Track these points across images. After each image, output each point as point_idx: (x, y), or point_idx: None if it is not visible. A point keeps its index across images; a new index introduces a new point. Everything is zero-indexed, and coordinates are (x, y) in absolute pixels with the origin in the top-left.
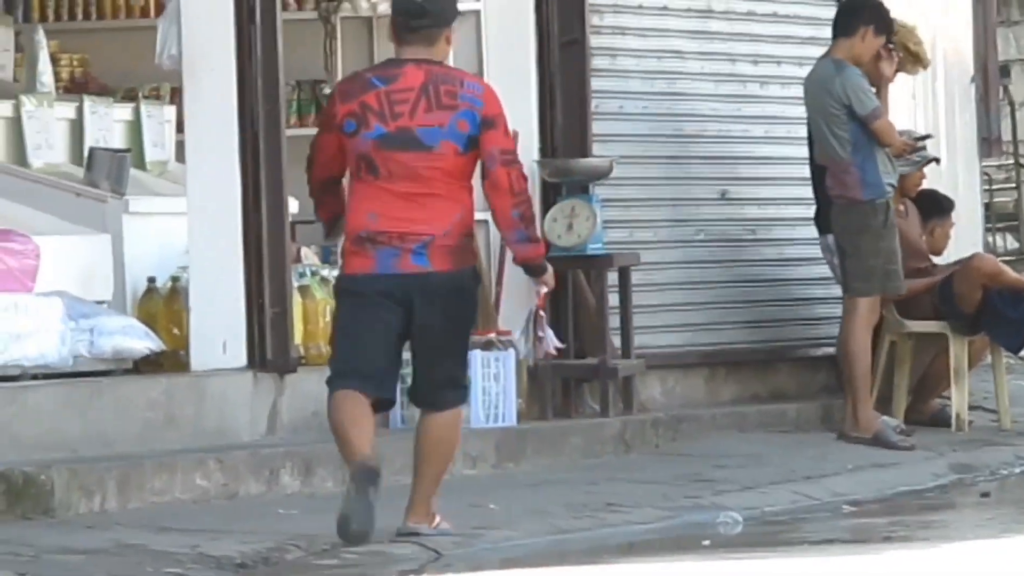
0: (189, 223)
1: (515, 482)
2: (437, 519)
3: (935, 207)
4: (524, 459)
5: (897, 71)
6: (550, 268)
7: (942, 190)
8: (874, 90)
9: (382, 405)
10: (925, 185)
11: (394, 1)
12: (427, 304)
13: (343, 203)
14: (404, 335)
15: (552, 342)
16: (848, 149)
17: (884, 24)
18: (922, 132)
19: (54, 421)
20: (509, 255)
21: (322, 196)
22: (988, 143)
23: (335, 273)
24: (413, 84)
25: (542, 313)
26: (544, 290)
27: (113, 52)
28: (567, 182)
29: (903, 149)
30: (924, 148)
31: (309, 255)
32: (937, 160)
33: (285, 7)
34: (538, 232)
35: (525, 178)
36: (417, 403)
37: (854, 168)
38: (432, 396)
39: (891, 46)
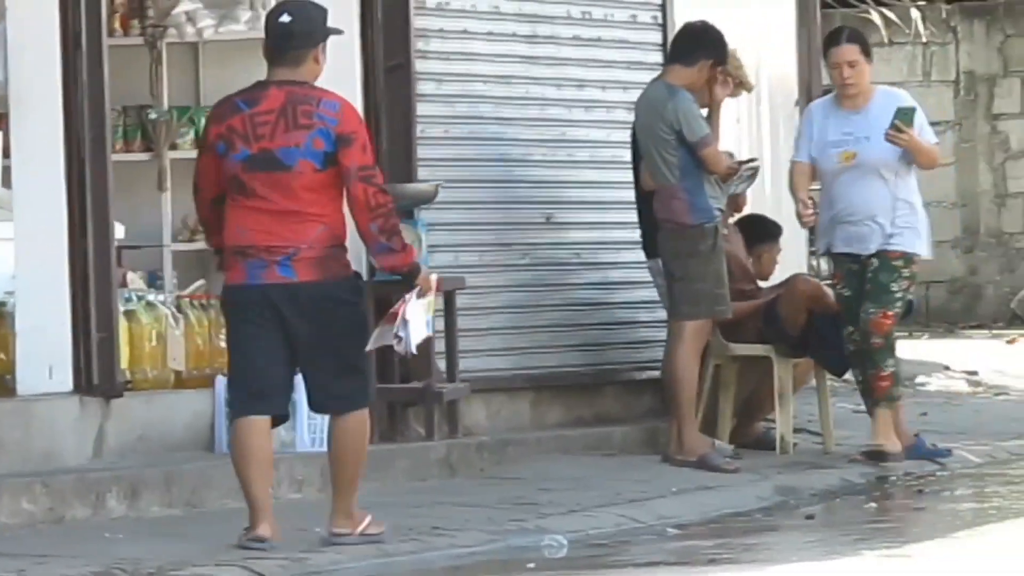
0: (15, 248)
1: None
2: (366, 521)
3: (763, 232)
4: None
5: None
6: (424, 269)
7: (767, 214)
8: (706, 111)
9: (277, 421)
10: (752, 210)
11: (265, 23)
12: (297, 315)
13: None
14: (288, 348)
15: (412, 342)
16: (677, 174)
17: (723, 56)
18: (747, 156)
19: None
20: None
21: (213, 219)
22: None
23: (161, 298)
24: (273, 106)
25: (398, 312)
26: (418, 294)
27: None
28: None
29: (728, 174)
30: (751, 171)
31: (135, 280)
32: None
33: (111, 33)
34: (403, 240)
35: (384, 192)
36: (316, 410)
37: (682, 193)
38: (324, 403)
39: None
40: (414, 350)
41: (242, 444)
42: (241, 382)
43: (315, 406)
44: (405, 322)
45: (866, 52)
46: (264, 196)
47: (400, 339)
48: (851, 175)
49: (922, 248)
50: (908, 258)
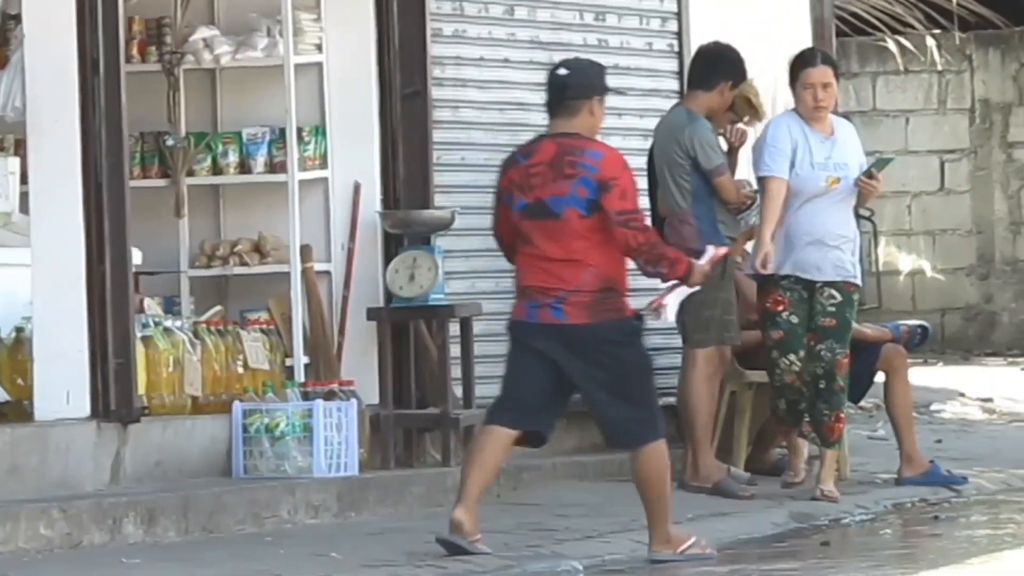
0: (33, 274)
1: (357, 531)
2: (687, 543)
3: None
4: (366, 508)
5: (734, 123)
6: (697, 265)
7: None
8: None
9: (532, 438)
10: None
11: (546, 79)
12: (573, 357)
13: None
14: (560, 380)
15: (670, 318)
16: (688, 200)
17: (741, 77)
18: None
19: None
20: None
21: (511, 255)
22: None
23: (178, 324)
24: (544, 158)
25: (663, 305)
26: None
27: None
28: (409, 233)
29: (742, 203)
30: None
31: (152, 306)
32: None
33: (128, 59)
34: (671, 259)
35: (644, 230)
36: (610, 446)
37: (692, 218)
38: (616, 438)
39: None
40: (671, 321)
41: (475, 444)
42: (500, 395)
43: (608, 442)
44: (663, 307)
45: (837, 76)
46: (539, 243)
47: (658, 315)
48: (829, 199)
49: (861, 280)
50: (859, 289)
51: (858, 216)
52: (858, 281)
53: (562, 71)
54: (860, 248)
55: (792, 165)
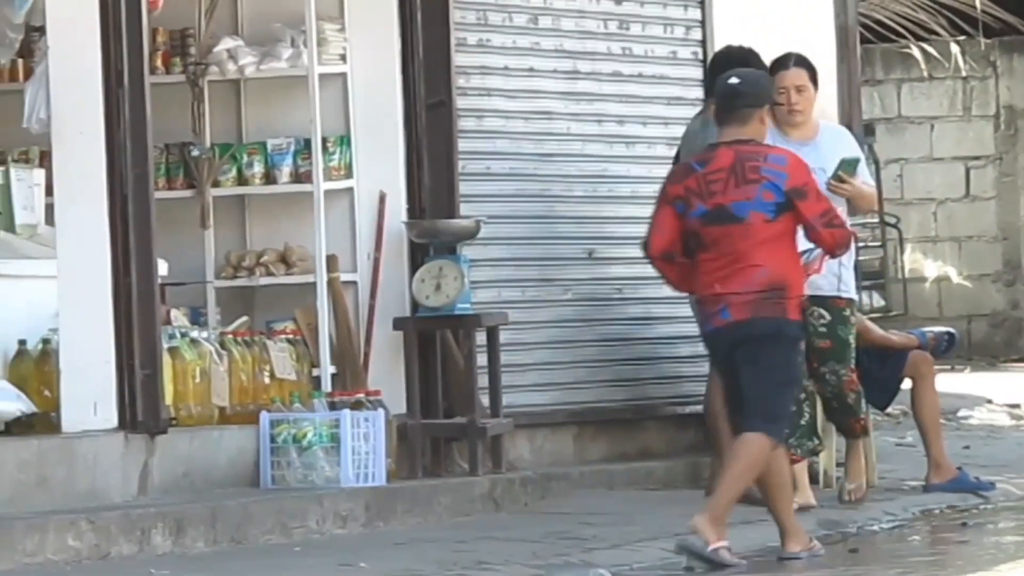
0: (59, 286)
1: (385, 541)
2: (812, 544)
3: None
4: (394, 518)
5: None
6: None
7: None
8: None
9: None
10: None
11: (716, 87)
12: (735, 350)
13: (687, 277)
14: None
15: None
16: None
17: None
18: None
19: None
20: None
21: (663, 268)
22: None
23: (204, 335)
24: (724, 164)
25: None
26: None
27: None
28: (435, 243)
29: None
30: None
31: (179, 317)
32: None
33: (153, 71)
34: (848, 239)
35: (842, 226)
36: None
37: None
38: (745, 422)
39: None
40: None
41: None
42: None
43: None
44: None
45: (813, 79)
46: (718, 248)
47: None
48: None
49: (855, 291)
50: (851, 303)
51: (884, 223)
52: (850, 295)
53: (734, 80)
54: (854, 258)
55: None
